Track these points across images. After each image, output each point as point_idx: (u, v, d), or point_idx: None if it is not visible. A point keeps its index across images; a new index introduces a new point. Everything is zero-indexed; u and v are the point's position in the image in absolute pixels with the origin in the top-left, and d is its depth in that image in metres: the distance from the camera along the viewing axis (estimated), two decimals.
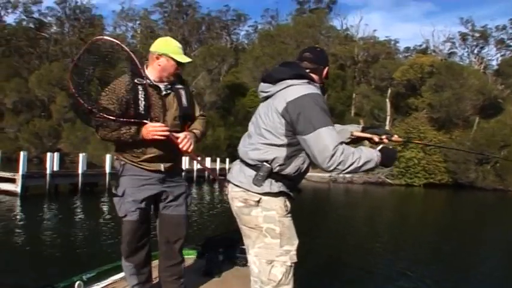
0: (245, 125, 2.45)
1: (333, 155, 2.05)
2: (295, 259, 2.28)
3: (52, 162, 20.43)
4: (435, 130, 41.48)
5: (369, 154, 2.17)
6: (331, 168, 2.07)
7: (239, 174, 2.32)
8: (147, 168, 2.81)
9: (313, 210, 20.60)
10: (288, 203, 2.31)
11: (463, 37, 52.87)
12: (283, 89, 2.23)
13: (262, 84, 2.38)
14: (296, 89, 2.19)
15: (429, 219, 20.71)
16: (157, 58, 2.76)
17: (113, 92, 2.66)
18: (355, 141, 2.60)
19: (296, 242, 2.30)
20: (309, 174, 2.55)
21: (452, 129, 41.59)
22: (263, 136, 2.24)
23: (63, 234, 11.92)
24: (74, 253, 9.83)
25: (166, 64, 2.76)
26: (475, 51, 53.64)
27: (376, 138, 2.47)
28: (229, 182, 2.39)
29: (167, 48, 2.78)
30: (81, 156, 22.29)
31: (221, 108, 44.06)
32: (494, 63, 53.62)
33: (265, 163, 2.21)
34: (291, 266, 2.26)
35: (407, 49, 59.26)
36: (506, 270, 10.98)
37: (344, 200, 27.18)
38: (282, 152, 2.21)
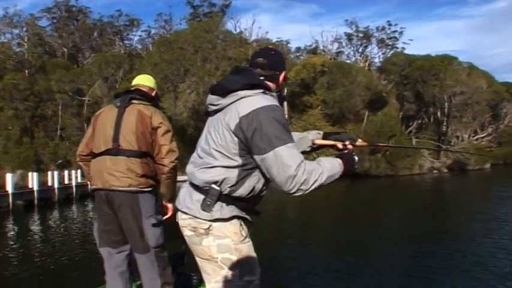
0: None
1: (295, 176, 1.84)
2: None
3: None
4: (330, 125, 44.15)
5: (331, 166, 1.96)
6: (294, 189, 1.86)
7: (186, 199, 2.06)
8: None
9: None
10: (244, 227, 2.06)
11: (349, 37, 56.63)
12: (234, 101, 1.97)
13: (210, 96, 2.10)
14: (250, 102, 1.93)
15: (331, 210, 21.99)
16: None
17: None
18: (316, 149, 2.37)
19: (258, 270, 2.05)
20: None
21: (345, 124, 44.48)
22: (213, 156, 1.98)
23: None
24: None
25: None
26: (360, 50, 57.74)
27: (339, 145, 2.22)
28: (176, 208, 2.14)
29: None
30: None
31: None
32: (376, 60, 58.23)
33: (213, 185, 1.96)
34: None
35: (298, 49, 61.23)
36: (401, 245, 12.41)
37: None
38: (233, 173, 1.96)
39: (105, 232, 3.04)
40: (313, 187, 1.88)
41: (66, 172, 28.28)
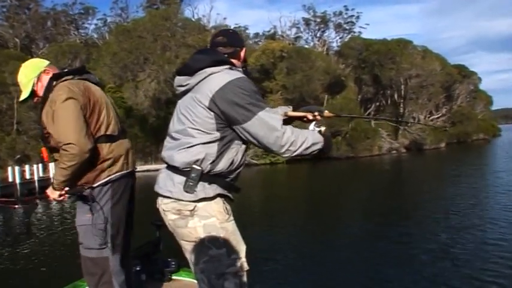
0: None
1: (284, 133, 1.93)
2: (246, 266, 2.06)
3: None
4: None
5: (314, 135, 2.06)
6: (285, 148, 1.95)
7: (167, 182, 2.07)
8: None
9: None
10: (227, 205, 2.09)
11: (307, 22, 57.34)
12: (203, 79, 2.02)
13: (178, 77, 2.14)
14: (220, 76, 1.99)
15: (293, 193, 22.51)
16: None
17: None
18: (288, 122, 2.31)
19: (244, 247, 2.08)
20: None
21: None
22: (190, 135, 2.01)
23: None
24: None
25: None
26: (318, 35, 58.51)
27: (310, 116, 2.27)
28: (157, 193, 2.13)
29: None
30: None
31: None
32: (334, 45, 59.17)
33: (194, 165, 1.98)
34: (243, 275, 2.05)
35: (256, 35, 61.34)
36: (363, 228, 13.04)
37: None
38: (213, 148, 1.99)
39: (122, 234, 2.67)
40: (300, 149, 1.97)
41: (27, 167, 27.67)
